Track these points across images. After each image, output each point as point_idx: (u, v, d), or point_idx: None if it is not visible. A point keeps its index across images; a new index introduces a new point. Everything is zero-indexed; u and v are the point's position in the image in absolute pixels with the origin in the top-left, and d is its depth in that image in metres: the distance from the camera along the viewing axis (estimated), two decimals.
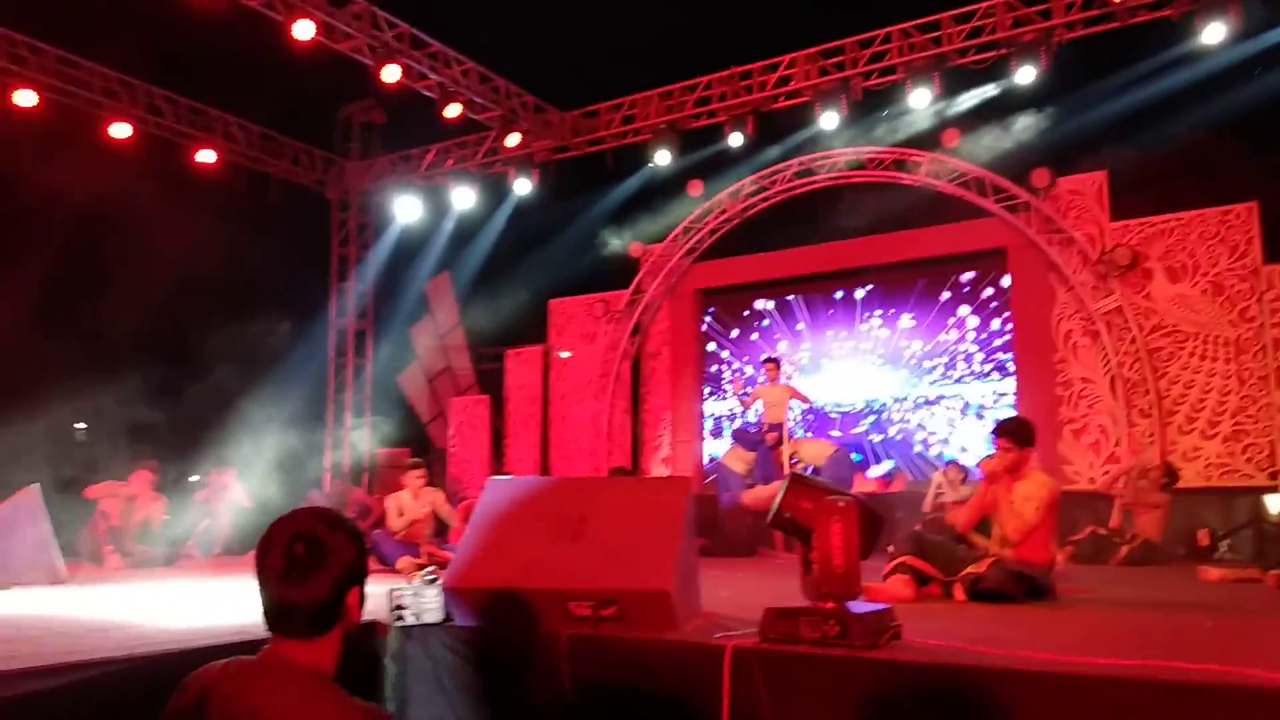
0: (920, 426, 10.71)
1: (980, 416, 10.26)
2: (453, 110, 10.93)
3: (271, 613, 1.89)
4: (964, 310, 10.56)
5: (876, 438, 10.94)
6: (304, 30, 9.23)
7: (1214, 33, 8.64)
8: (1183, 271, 9.09)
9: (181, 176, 11.47)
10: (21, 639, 3.66)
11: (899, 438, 10.82)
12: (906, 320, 10.86)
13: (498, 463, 12.44)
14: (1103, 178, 9.57)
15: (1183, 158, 9.76)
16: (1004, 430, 5.22)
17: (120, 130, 10.72)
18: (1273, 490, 8.37)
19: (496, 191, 12.96)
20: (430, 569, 4.13)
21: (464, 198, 12.69)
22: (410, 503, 7.89)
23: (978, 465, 5.45)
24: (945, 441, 10.50)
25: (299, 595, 1.85)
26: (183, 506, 10.23)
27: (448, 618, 3.87)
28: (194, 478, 11.24)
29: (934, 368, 10.67)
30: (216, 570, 7.93)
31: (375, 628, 4.06)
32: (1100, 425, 9.30)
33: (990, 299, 10.41)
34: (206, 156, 11.71)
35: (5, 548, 6.27)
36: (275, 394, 11.71)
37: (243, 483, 10.59)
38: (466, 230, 13.41)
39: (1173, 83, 9.41)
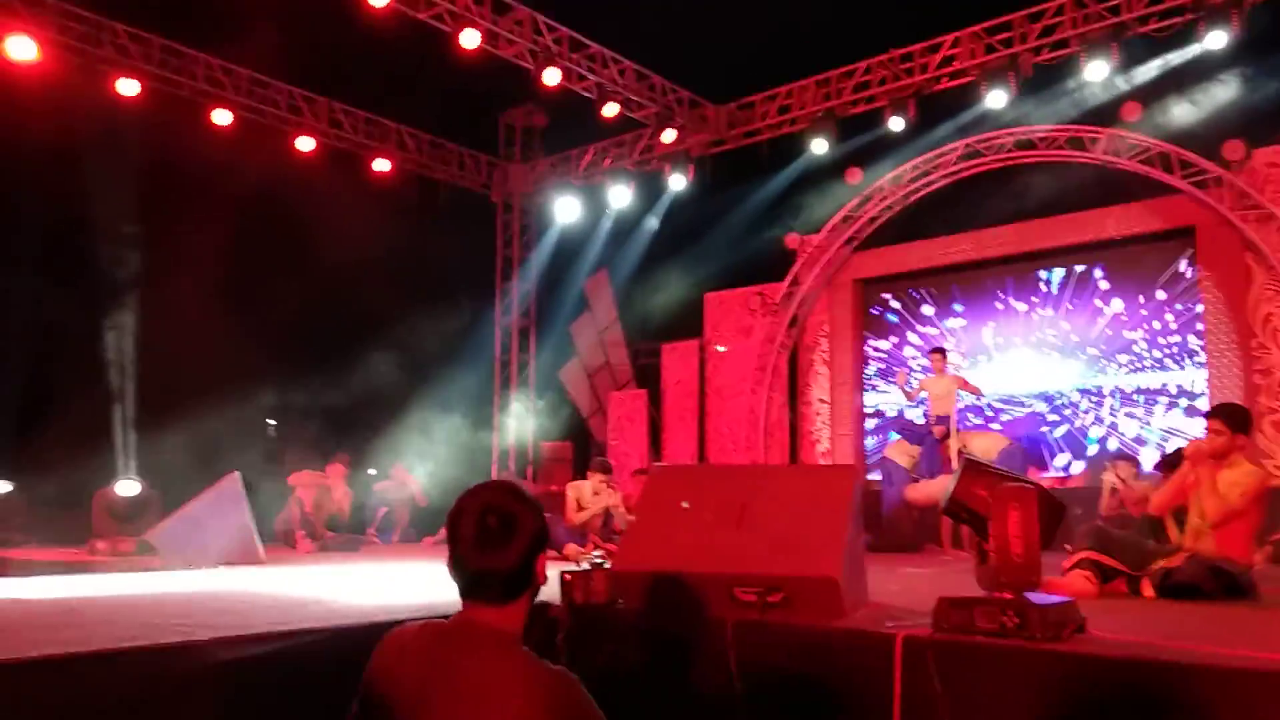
0: (1097, 419, 10.13)
1: (1169, 408, 9.62)
2: (610, 109, 11.14)
3: (466, 580, 2.00)
4: (1151, 295, 9.91)
5: (1053, 431, 10.42)
6: (470, 39, 9.61)
7: None
8: None
9: (359, 184, 12.18)
10: (233, 611, 3.99)
11: (1077, 430, 10.26)
12: (1086, 307, 10.29)
13: (656, 456, 12.58)
14: None
15: None
16: (1218, 412, 4.98)
17: (304, 143, 11.49)
18: None
19: (653, 188, 13.09)
20: (599, 553, 4.24)
21: (621, 196, 12.88)
22: (590, 498, 8.16)
23: (1185, 448, 5.12)
24: (1122, 434, 9.89)
25: (493, 563, 1.96)
26: (363, 496, 10.87)
27: (615, 599, 3.96)
28: (372, 470, 11.92)
29: (1115, 357, 10.07)
30: (396, 555, 8.38)
31: (548, 608, 4.20)
32: None
33: (1179, 281, 9.74)
34: (381, 165, 12.39)
35: (212, 529, 6.83)
36: (446, 390, 12.27)
37: (418, 478, 11.16)
38: (624, 228, 13.62)
39: None
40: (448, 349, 12.66)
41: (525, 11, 10.17)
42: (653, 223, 13.37)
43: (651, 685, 3.81)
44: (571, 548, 7.39)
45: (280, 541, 8.93)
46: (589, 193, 13.53)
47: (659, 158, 12.58)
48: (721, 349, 12.38)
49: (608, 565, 3.98)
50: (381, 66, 11.10)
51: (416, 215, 12.79)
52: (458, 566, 2.00)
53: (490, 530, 1.96)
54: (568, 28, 10.53)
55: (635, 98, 11.38)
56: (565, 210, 13.51)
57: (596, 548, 7.27)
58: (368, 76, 11.56)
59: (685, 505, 3.90)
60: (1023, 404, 10.64)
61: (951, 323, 11.20)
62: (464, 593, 2.01)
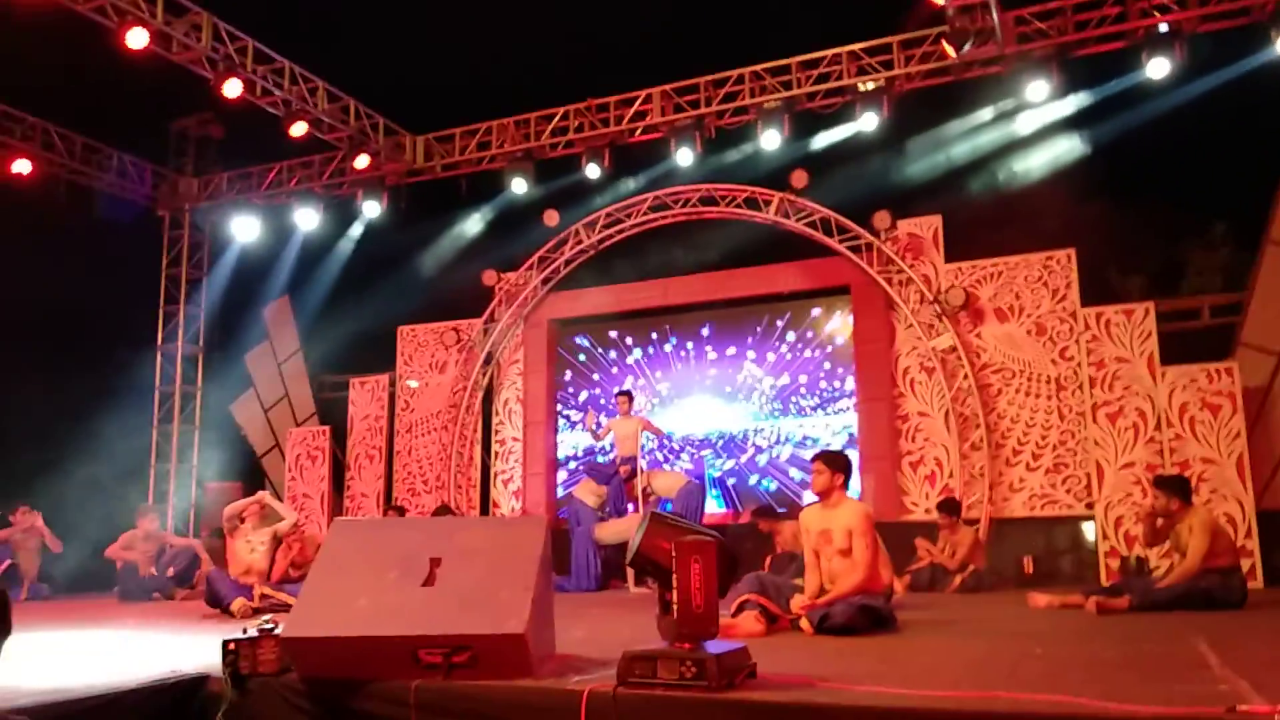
0: (771, 460, 10.92)
1: (826, 447, 10.55)
2: (298, 129, 10.54)
3: None
4: (813, 345, 10.87)
5: (727, 465, 11.09)
6: (137, 39, 8.72)
7: (1038, 90, 9.31)
8: (1010, 312, 9.66)
9: None
10: None
11: (752, 470, 10.99)
12: (756, 355, 11.10)
13: (338, 497, 11.93)
14: (938, 221, 10.08)
15: (1010, 205, 10.40)
16: (821, 457, 5.36)
17: None
18: (1089, 519, 8.96)
19: (344, 214, 12.55)
20: (268, 616, 3.88)
21: (308, 219, 12.25)
22: (252, 535, 7.48)
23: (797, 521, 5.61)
24: (789, 475, 10.75)
25: None
26: None
27: (287, 669, 3.63)
28: None
29: (783, 402, 10.93)
30: (33, 618, 7.23)
31: (205, 681, 3.78)
32: (935, 458, 9.74)
33: (837, 336, 10.76)
34: (21, 166, 10.88)
35: None
36: (96, 425, 10.88)
37: (50, 525, 9.82)
38: (311, 254, 12.92)
39: (1003, 134, 10.11)
40: (97, 375, 11.26)
41: (205, 15, 9.38)
42: (344, 250, 12.79)
43: None
44: (240, 603, 6.74)
45: None
46: (272, 213, 12.72)
47: (351, 183, 12.09)
48: (414, 384, 12.02)
49: (278, 630, 3.65)
50: (32, 57, 9.76)
51: (65, 226, 11.33)
52: None
53: None
54: (253, 38, 9.84)
55: (326, 119, 10.84)
56: (244, 230, 12.61)
57: (265, 599, 6.74)
58: (12, 66, 10.12)
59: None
60: (702, 444, 11.25)
61: (640, 366, 11.64)
62: None
